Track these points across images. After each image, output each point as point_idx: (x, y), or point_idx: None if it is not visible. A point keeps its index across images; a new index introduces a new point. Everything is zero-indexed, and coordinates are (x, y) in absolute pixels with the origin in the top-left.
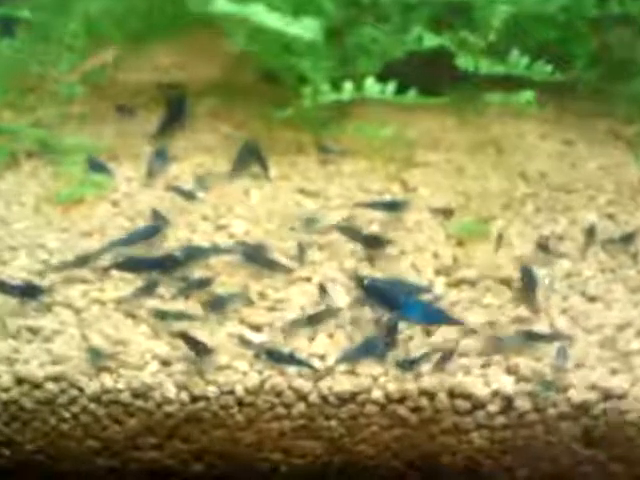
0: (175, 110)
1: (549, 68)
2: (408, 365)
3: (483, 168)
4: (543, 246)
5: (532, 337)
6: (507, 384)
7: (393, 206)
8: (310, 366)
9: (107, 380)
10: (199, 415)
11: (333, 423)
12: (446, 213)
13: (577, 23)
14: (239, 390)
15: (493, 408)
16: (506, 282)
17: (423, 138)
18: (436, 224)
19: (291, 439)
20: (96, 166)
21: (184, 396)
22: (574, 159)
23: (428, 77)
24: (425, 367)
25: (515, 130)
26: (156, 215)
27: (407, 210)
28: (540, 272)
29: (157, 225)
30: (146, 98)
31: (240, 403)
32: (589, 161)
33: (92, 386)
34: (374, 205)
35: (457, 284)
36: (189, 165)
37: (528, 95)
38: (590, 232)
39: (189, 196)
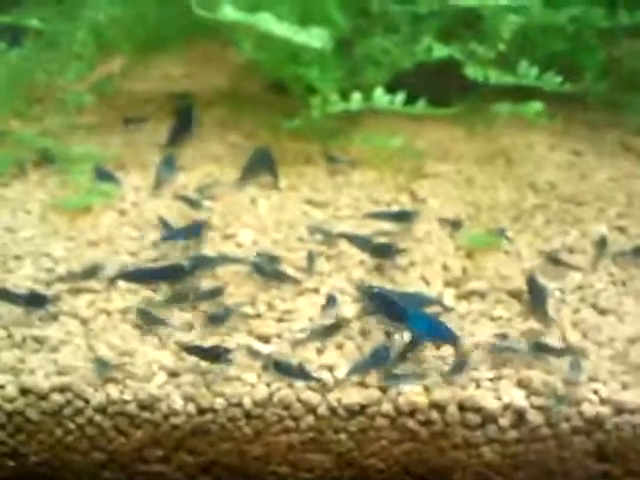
0: (183, 120)
1: (559, 79)
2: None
3: (492, 179)
4: (553, 259)
5: (543, 350)
6: (518, 398)
7: (402, 217)
8: (317, 380)
9: (113, 391)
10: (206, 427)
11: (342, 436)
12: (455, 224)
13: (586, 34)
14: (247, 402)
15: (504, 422)
16: (516, 294)
17: (432, 149)
18: (445, 235)
19: (299, 452)
20: (103, 175)
21: (191, 408)
22: (584, 170)
23: (437, 89)
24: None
25: (524, 141)
26: (165, 224)
27: (416, 221)
28: (550, 285)
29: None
30: (154, 108)
31: (248, 415)
32: (599, 172)
33: (98, 397)
34: (382, 216)
35: (467, 296)
36: (197, 174)
37: (537, 106)
38: (601, 244)
39: (196, 205)
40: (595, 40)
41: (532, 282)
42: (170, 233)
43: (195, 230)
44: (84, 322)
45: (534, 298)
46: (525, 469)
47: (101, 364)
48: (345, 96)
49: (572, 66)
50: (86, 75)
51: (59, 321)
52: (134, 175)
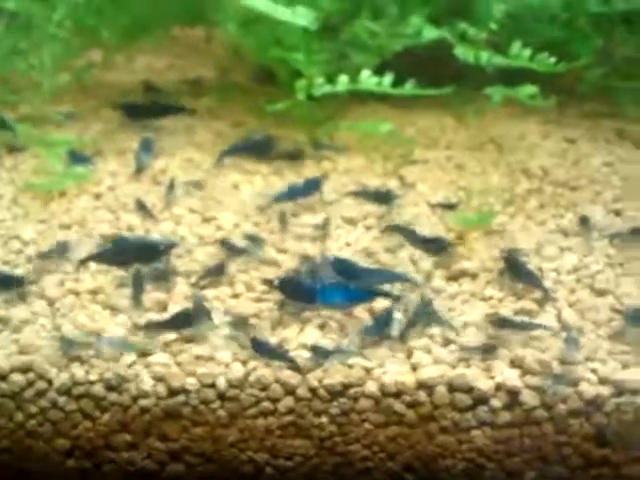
0: (161, 107)
1: (552, 59)
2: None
3: (483, 165)
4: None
5: (537, 328)
6: (511, 377)
7: (386, 197)
8: (291, 360)
9: (78, 371)
10: (177, 410)
11: (323, 420)
12: (445, 207)
13: (580, 20)
14: (221, 383)
15: (496, 403)
16: (507, 274)
17: (421, 137)
18: (435, 218)
19: (278, 437)
20: (77, 158)
21: (161, 389)
22: (578, 156)
23: (427, 79)
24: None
25: (516, 130)
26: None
27: (403, 202)
28: (545, 266)
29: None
30: (136, 98)
31: (222, 397)
32: (593, 158)
33: (62, 378)
34: (367, 194)
35: (457, 277)
36: (177, 160)
37: (531, 89)
38: (583, 223)
39: (174, 189)
40: (589, 27)
41: (511, 260)
42: (287, 191)
43: (312, 186)
44: (51, 302)
45: (516, 276)
46: (519, 455)
47: (66, 343)
48: (331, 80)
49: (566, 55)
50: (63, 58)
51: (25, 301)
52: (111, 161)
